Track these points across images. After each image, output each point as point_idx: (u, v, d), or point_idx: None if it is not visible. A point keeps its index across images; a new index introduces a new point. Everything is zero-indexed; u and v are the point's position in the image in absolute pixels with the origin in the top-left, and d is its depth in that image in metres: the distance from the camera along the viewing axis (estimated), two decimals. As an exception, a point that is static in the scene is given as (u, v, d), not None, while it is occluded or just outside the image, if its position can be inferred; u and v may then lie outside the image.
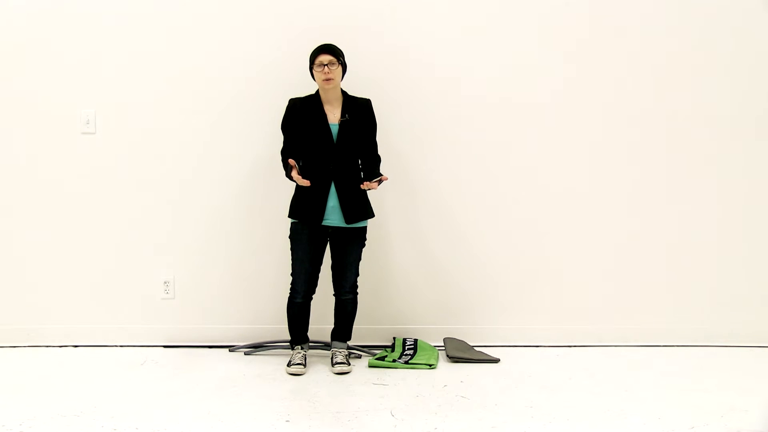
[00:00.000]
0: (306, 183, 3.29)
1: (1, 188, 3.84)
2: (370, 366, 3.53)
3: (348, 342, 3.61)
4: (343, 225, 3.40)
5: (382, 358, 3.59)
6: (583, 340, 3.97)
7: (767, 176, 4.01)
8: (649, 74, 3.95)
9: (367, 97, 3.53)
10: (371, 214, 3.49)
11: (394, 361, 3.56)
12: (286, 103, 3.45)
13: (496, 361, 3.64)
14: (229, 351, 3.81)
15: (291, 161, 3.30)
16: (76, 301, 3.88)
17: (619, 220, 3.98)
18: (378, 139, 3.58)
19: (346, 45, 3.52)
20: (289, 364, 3.42)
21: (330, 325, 3.64)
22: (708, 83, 3.97)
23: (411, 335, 3.93)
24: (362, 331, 3.90)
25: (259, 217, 3.86)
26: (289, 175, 3.35)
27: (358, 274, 3.54)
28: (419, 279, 3.96)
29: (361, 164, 3.51)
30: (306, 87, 3.57)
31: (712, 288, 4.01)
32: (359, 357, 3.71)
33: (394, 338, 3.90)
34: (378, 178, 3.32)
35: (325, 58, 3.33)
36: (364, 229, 3.50)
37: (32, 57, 3.81)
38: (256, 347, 3.78)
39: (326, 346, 3.74)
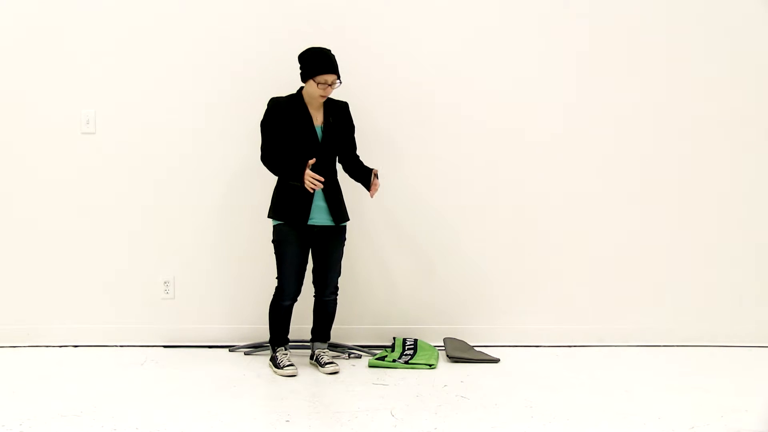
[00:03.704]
0: (319, 185, 3.25)
1: (1, 188, 3.85)
2: (370, 366, 3.53)
3: (329, 341, 3.61)
4: (330, 224, 3.41)
5: (382, 358, 3.59)
6: (583, 340, 3.97)
7: (766, 177, 4.02)
8: (648, 78, 3.96)
9: (345, 100, 3.52)
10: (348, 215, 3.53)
11: (394, 361, 3.56)
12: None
13: (496, 361, 3.64)
14: (229, 351, 3.81)
15: (311, 161, 3.26)
16: (76, 301, 3.88)
17: (619, 220, 3.99)
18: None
19: (333, 47, 3.51)
20: (279, 366, 3.38)
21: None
22: (709, 86, 3.98)
23: (411, 335, 3.93)
24: (362, 331, 3.91)
25: (260, 217, 3.84)
26: (292, 176, 3.29)
27: (340, 274, 3.54)
28: (419, 279, 3.96)
29: (344, 166, 3.53)
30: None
31: (712, 288, 4.02)
32: (359, 357, 3.71)
33: (394, 338, 3.90)
34: (373, 172, 3.34)
35: (330, 77, 3.31)
36: (345, 228, 3.51)
37: (32, 57, 3.81)
38: (256, 347, 3.78)
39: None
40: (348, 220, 3.50)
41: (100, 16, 3.82)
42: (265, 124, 3.40)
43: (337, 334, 3.80)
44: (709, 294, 4.02)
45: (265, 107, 3.39)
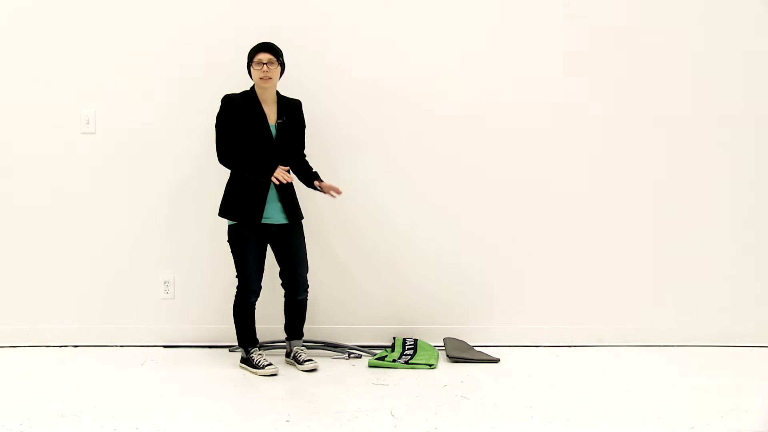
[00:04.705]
0: (289, 177, 3.31)
1: (1, 188, 3.85)
2: (370, 366, 3.53)
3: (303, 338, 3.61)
4: (286, 222, 3.42)
5: (382, 358, 3.59)
6: (583, 340, 3.97)
7: (766, 177, 4.02)
8: (648, 79, 3.96)
9: (298, 98, 3.54)
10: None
11: (394, 361, 3.56)
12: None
13: (496, 361, 3.64)
14: (229, 351, 3.81)
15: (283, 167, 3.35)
16: (76, 301, 3.88)
17: (619, 220, 3.98)
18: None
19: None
20: (259, 366, 3.37)
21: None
22: (707, 87, 3.97)
23: (411, 335, 3.93)
24: (362, 331, 3.91)
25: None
26: (259, 173, 3.30)
27: (308, 269, 3.54)
28: (420, 279, 3.96)
29: (291, 166, 3.53)
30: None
31: (712, 288, 4.01)
32: (359, 357, 3.71)
33: (394, 338, 3.90)
34: (316, 183, 3.46)
35: (264, 56, 3.31)
36: (302, 224, 3.52)
37: (32, 57, 3.81)
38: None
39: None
40: (302, 218, 3.50)
41: (101, 17, 3.82)
42: (220, 122, 3.39)
43: (337, 334, 3.82)
44: (709, 294, 4.01)
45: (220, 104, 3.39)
